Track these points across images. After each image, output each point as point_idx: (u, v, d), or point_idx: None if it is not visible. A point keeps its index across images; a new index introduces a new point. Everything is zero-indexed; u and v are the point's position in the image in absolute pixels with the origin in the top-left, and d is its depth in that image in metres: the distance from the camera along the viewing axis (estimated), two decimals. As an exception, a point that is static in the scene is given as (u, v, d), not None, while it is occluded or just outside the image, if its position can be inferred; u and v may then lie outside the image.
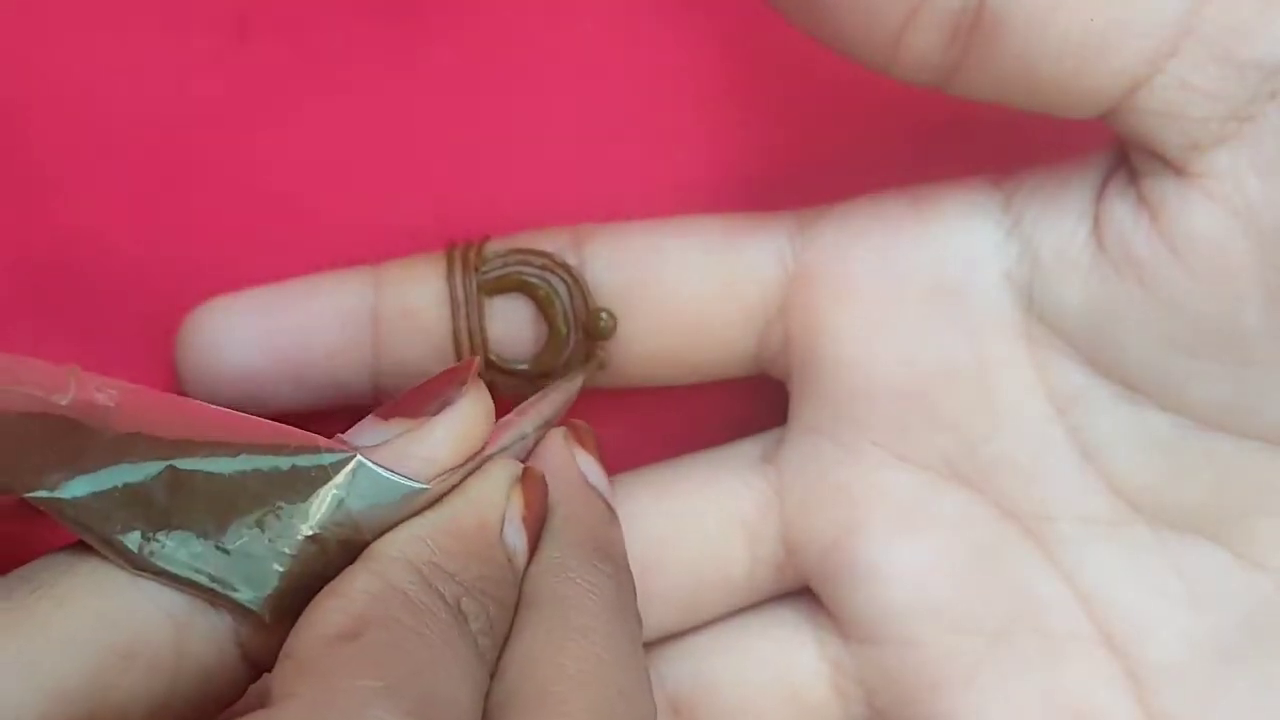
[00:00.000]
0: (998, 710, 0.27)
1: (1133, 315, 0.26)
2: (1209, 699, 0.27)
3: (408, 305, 0.28)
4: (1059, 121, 0.26)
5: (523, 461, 0.26)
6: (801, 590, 0.29)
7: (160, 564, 0.22)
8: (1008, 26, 0.24)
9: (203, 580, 0.22)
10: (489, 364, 0.28)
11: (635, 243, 0.28)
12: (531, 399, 0.27)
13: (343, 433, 0.24)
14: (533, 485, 0.25)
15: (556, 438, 0.26)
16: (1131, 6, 0.24)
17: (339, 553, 0.23)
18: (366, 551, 0.23)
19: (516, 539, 0.24)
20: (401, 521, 0.23)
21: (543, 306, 0.28)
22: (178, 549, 0.22)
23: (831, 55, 0.25)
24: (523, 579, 0.24)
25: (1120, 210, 0.26)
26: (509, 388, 0.29)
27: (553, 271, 0.28)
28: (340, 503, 0.23)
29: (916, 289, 0.27)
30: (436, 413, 0.24)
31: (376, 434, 0.24)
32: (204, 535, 0.22)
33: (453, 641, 0.22)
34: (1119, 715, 0.27)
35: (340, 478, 0.23)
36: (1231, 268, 0.24)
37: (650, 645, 0.29)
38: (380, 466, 0.23)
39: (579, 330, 0.28)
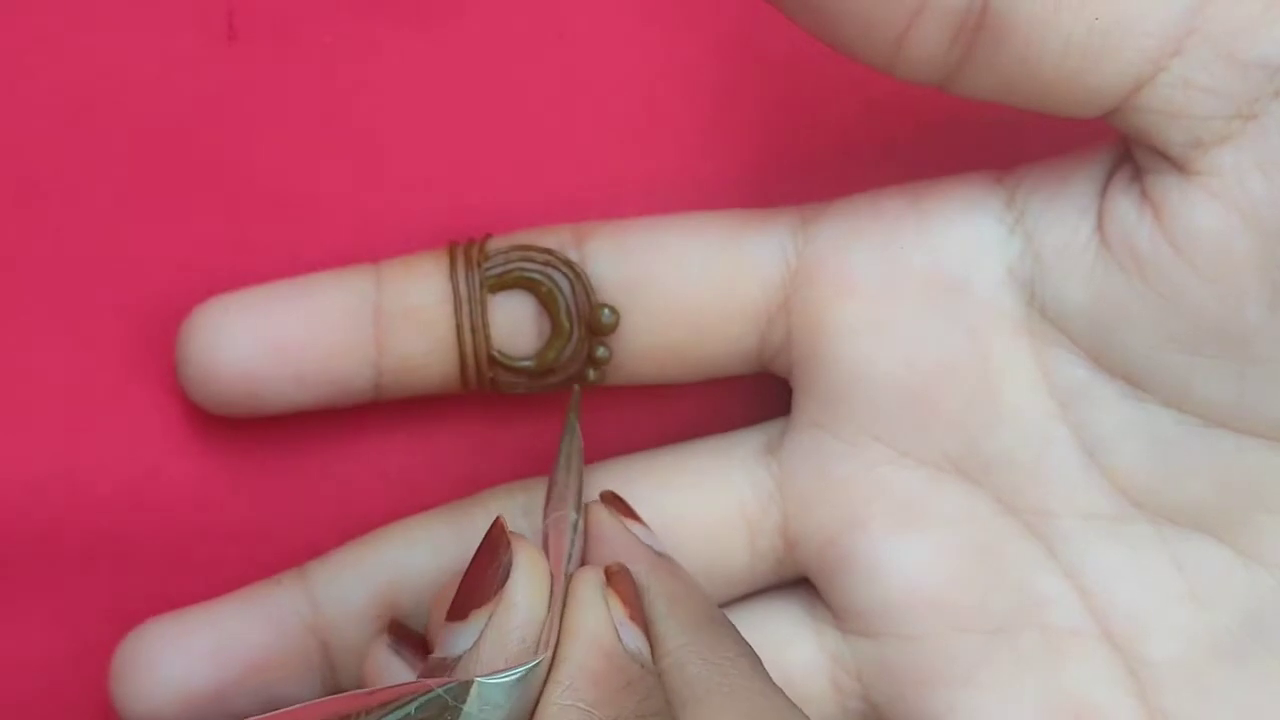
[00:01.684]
0: (997, 706, 0.27)
1: (1135, 312, 0.26)
2: (1210, 696, 0.27)
3: (410, 302, 0.28)
4: (1061, 119, 0.26)
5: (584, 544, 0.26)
6: (799, 582, 0.29)
7: None
8: (1011, 27, 0.24)
9: None
10: (491, 360, 0.28)
11: (637, 239, 0.28)
12: (556, 474, 0.27)
13: (404, 648, 0.25)
14: (622, 582, 0.25)
15: (605, 519, 0.26)
16: (1135, 6, 0.24)
17: None
18: None
19: (636, 642, 0.24)
20: (534, 697, 0.23)
21: (545, 302, 0.28)
22: None
23: (833, 53, 0.25)
24: (663, 672, 0.24)
25: (1124, 207, 0.26)
26: (511, 384, 0.29)
27: (555, 267, 0.28)
28: None
29: (918, 285, 0.27)
30: (503, 584, 0.23)
31: (465, 635, 0.23)
32: None
33: None
34: (1119, 712, 0.27)
35: (469, 704, 0.22)
36: (1234, 265, 0.24)
37: None
38: (496, 674, 0.22)
39: (582, 326, 0.28)
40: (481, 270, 0.28)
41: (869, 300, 0.27)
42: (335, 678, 0.29)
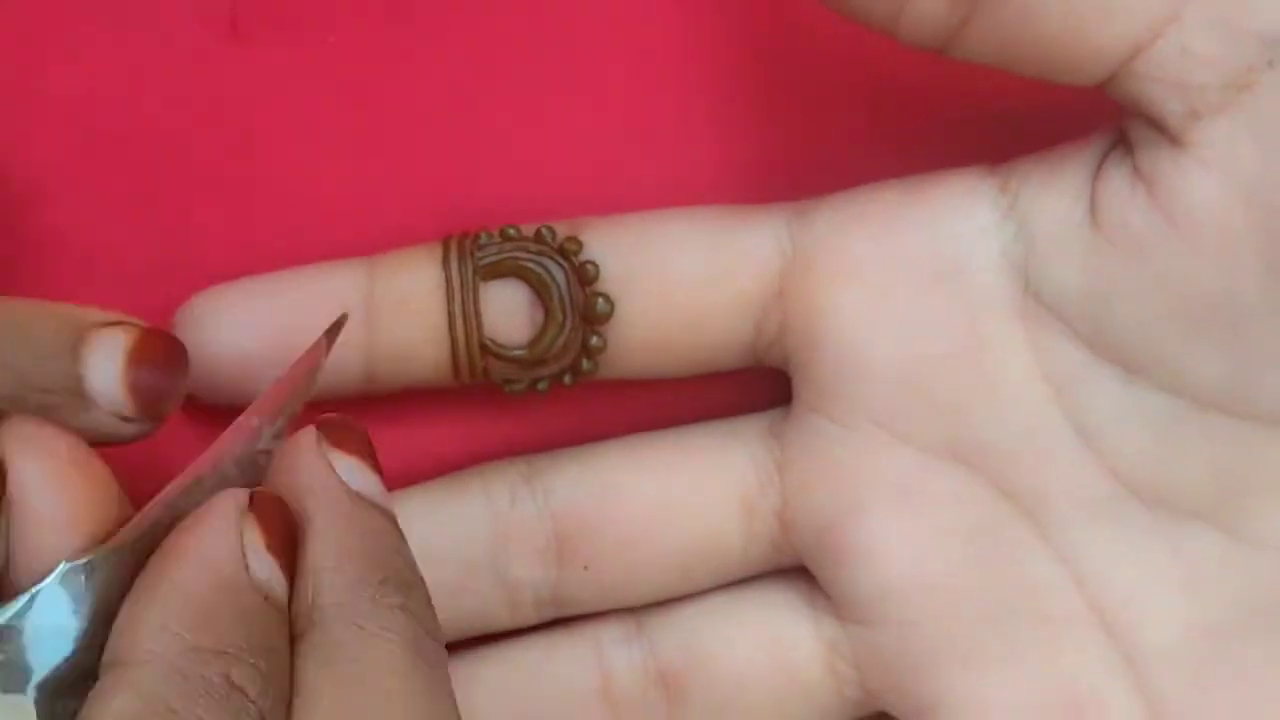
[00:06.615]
0: (992, 692, 0.27)
1: (1129, 292, 0.26)
2: (1205, 681, 0.27)
3: (402, 291, 0.28)
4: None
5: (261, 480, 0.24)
6: (797, 568, 0.29)
7: None
8: None
9: None
10: (483, 349, 0.28)
11: (632, 230, 0.28)
12: (264, 394, 0.25)
13: None
14: (267, 508, 0.23)
15: (305, 442, 0.24)
16: None
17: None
18: (109, 653, 0.21)
19: (266, 571, 0.23)
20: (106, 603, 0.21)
21: (539, 291, 0.28)
22: None
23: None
24: (306, 616, 0.23)
25: (1116, 184, 0.26)
26: (504, 373, 0.28)
27: (549, 256, 0.28)
28: None
29: (913, 271, 0.27)
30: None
31: None
32: None
33: None
34: (1115, 697, 0.27)
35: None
36: (1229, 238, 0.25)
37: (642, 611, 0.29)
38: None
39: (576, 315, 0.28)
40: (474, 258, 0.28)
41: (865, 286, 0.28)
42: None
